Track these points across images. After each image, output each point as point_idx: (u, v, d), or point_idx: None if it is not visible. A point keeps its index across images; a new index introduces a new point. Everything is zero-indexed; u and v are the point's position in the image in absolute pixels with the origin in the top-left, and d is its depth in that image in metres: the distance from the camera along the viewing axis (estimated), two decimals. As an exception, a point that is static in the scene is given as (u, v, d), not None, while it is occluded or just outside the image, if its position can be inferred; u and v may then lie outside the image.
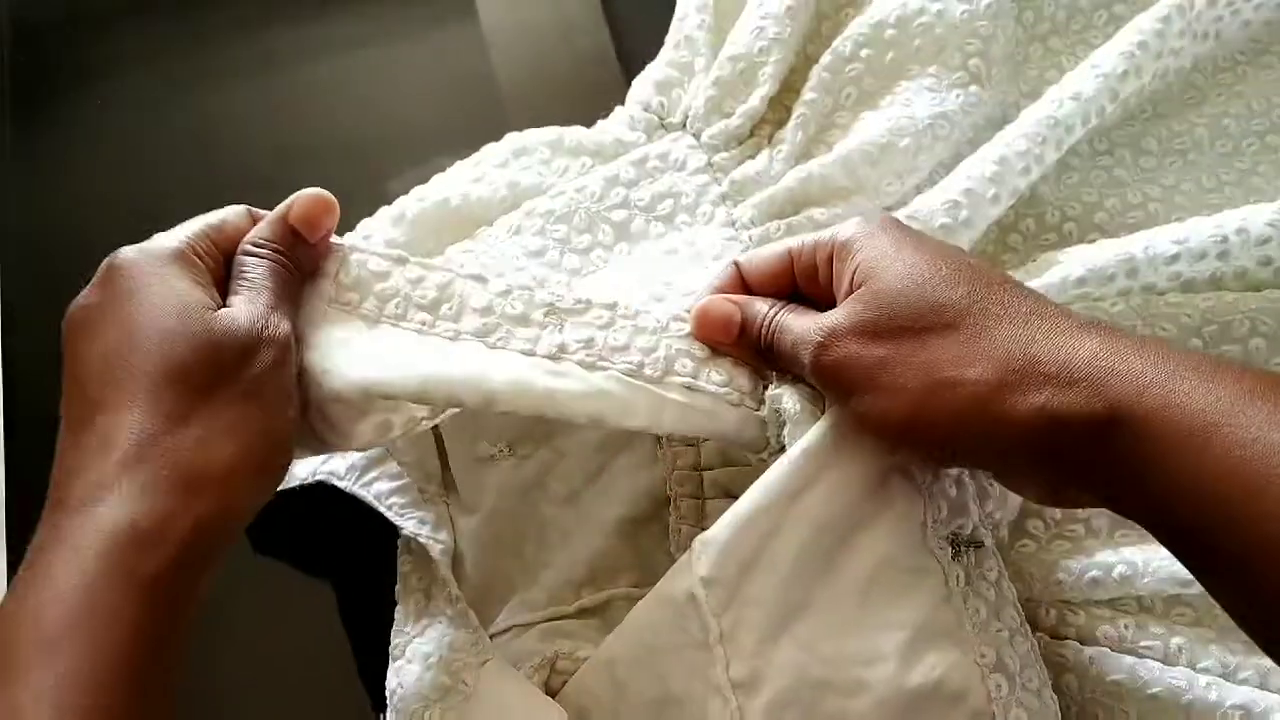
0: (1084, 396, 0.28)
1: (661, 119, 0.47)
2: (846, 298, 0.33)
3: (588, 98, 0.51)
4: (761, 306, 0.36)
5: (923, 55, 0.45)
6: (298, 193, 0.36)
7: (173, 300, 0.32)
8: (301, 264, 0.36)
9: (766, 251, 0.37)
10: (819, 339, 0.33)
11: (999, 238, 0.46)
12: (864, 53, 0.45)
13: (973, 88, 0.45)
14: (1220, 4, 0.46)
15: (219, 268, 0.35)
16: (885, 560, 0.33)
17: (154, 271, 0.33)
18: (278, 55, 0.57)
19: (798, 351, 0.34)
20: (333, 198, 0.36)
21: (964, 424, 0.30)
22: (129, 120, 0.54)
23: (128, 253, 0.34)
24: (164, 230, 0.50)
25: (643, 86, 0.48)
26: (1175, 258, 0.40)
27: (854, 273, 0.33)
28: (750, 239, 0.44)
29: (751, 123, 0.46)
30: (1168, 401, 0.27)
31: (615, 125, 0.47)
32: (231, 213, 0.36)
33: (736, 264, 0.38)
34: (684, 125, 0.47)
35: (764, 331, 0.36)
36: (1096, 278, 0.40)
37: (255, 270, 0.34)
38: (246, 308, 0.33)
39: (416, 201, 0.44)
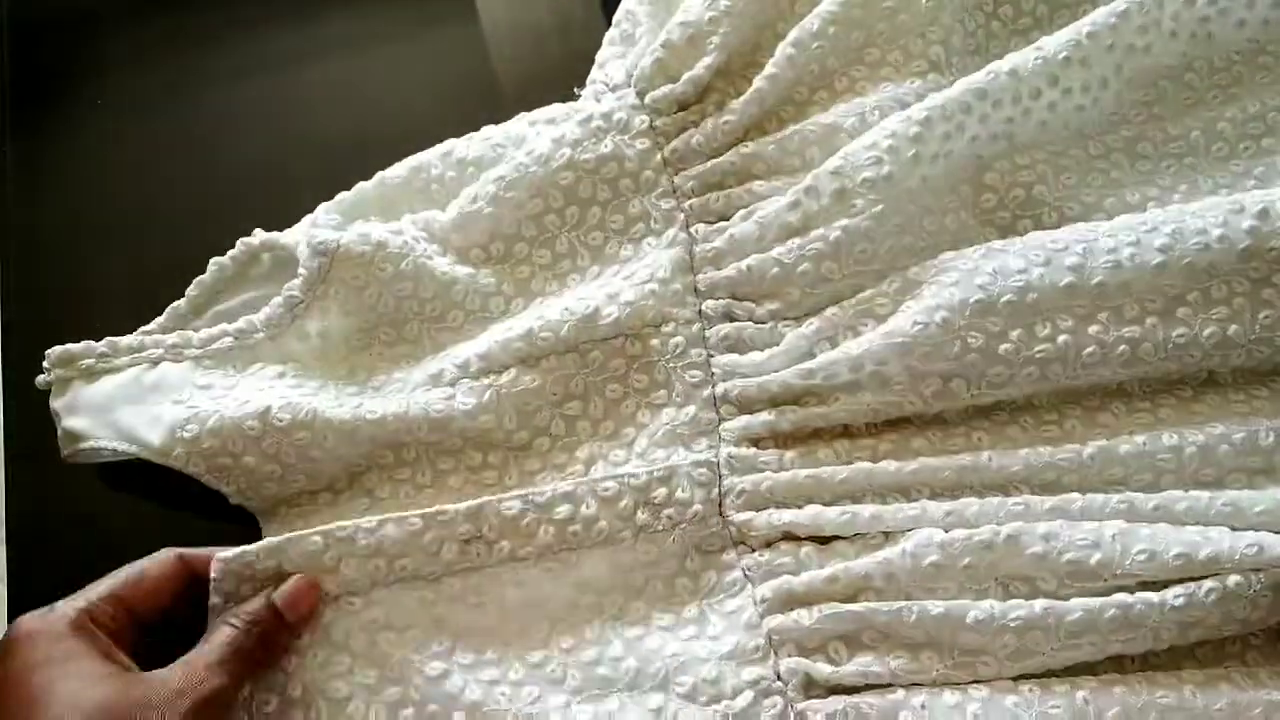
0: None
1: (608, 85, 0.48)
2: None
3: (587, 98, 0.51)
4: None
5: (885, 38, 0.47)
6: (290, 579, 0.38)
7: (76, 675, 0.33)
8: (275, 641, 0.37)
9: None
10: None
11: (997, 239, 0.45)
12: (831, 30, 0.46)
13: (932, 75, 0.46)
14: (1200, 3, 0.46)
15: (125, 629, 0.36)
16: None
17: (54, 645, 0.34)
18: (278, 55, 0.57)
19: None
20: (318, 583, 0.38)
21: None
22: (129, 120, 0.55)
23: (28, 624, 0.35)
24: (161, 228, 0.51)
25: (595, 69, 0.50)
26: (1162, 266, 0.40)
27: None
28: (691, 208, 0.45)
29: (697, 90, 0.47)
30: None
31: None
32: (156, 561, 0.38)
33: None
34: (629, 83, 0.47)
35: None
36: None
37: (217, 637, 0.36)
38: (180, 668, 0.34)
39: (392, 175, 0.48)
